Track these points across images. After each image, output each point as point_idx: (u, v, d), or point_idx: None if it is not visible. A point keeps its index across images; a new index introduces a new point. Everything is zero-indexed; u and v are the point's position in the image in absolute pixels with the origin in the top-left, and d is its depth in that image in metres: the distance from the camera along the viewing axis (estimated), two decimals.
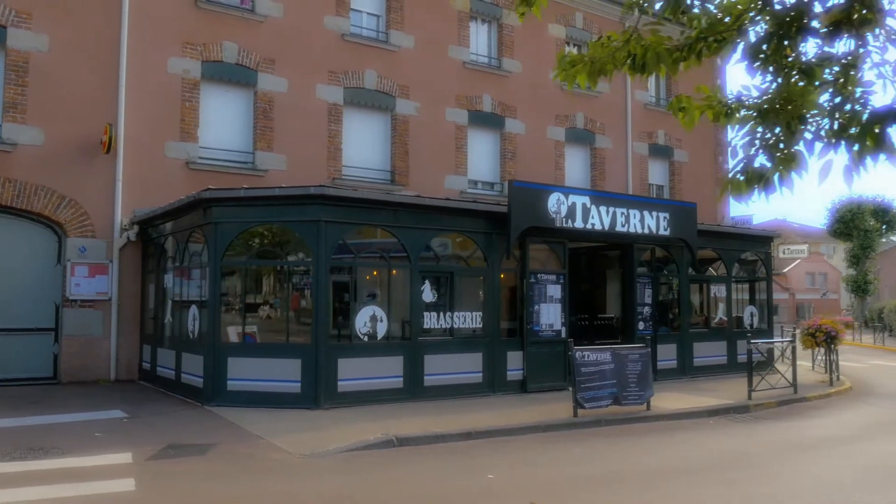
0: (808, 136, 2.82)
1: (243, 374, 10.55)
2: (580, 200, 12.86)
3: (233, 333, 11.14)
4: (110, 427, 9.29)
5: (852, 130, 2.49)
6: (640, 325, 14.30)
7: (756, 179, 2.92)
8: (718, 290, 16.38)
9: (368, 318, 10.98)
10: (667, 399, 11.92)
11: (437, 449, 8.56)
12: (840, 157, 2.63)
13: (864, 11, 2.57)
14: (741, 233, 17.46)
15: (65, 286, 13.06)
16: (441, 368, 11.53)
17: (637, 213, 13.63)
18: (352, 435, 8.77)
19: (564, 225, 12.60)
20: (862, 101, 2.66)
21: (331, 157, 16.03)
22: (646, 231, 13.81)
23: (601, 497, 6.65)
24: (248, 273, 11.74)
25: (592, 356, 10.53)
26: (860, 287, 45.07)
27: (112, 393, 12.06)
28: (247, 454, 8.02)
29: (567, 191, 13.10)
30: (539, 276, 12.78)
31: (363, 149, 16.67)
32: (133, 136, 13.68)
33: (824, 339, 14.92)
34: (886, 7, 2.69)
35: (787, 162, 2.89)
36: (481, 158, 18.54)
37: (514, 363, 12.40)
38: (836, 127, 2.67)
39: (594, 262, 17.17)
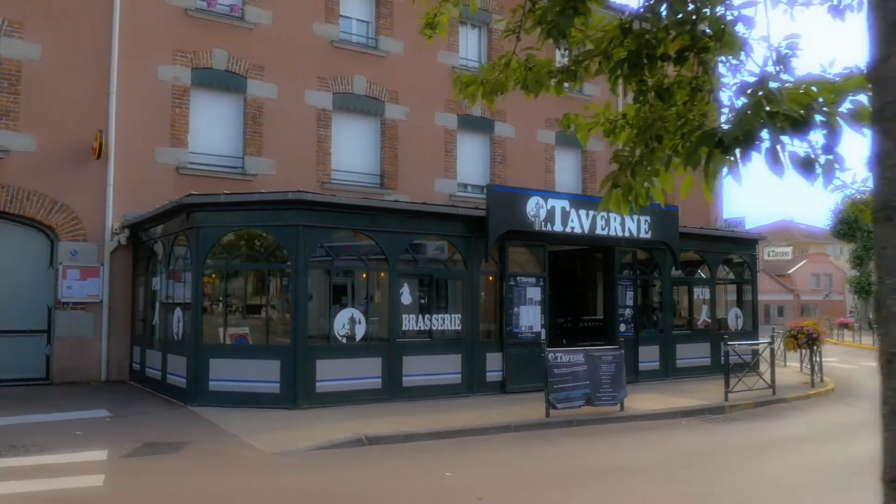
0: (667, 153, 3.06)
1: (224, 375, 10.83)
2: (559, 204, 13.08)
3: (219, 335, 11.43)
4: (93, 426, 9.58)
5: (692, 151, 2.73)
6: (622, 327, 14.49)
7: (627, 193, 3.16)
8: (702, 292, 16.54)
9: (347, 320, 11.24)
10: (643, 400, 12.12)
11: (406, 448, 8.80)
12: (698, 173, 2.85)
13: (707, 39, 2.80)
14: (725, 235, 17.62)
15: (57, 289, 13.39)
16: (420, 369, 11.77)
17: (617, 216, 13.82)
18: (324, 434, 9.03)
19: (543, 228, 12.83)
20: (700, 123, 2.89)
21: (320, 162, 16.32)
22: (626, 234, 14.02)
23: (548, 494, 6.87)
24: (230, 276, 12.03)
25: (565, 357, 10.74)
26: (863, 288, 45.02)
27: (101, 393, 12.38)
28: (219, 452, 8.30)
29: (546, 195, 13.32)
30: (518, 278, 13.00)
31: (352, 153, 16.95)
32: (124, 142, 14.01)
33: (806, 341, 15.06)
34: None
35: (650, 178, 3.13)
36: (471, 162, 18.78)
37: (494, 364, 12.63)
38: (687, 146, 2.89)
39: (585, 265, 17.39)
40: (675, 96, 3.07)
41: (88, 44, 13.80)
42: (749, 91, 2.35)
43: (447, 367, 12.12)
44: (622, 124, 3.40)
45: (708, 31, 2.86)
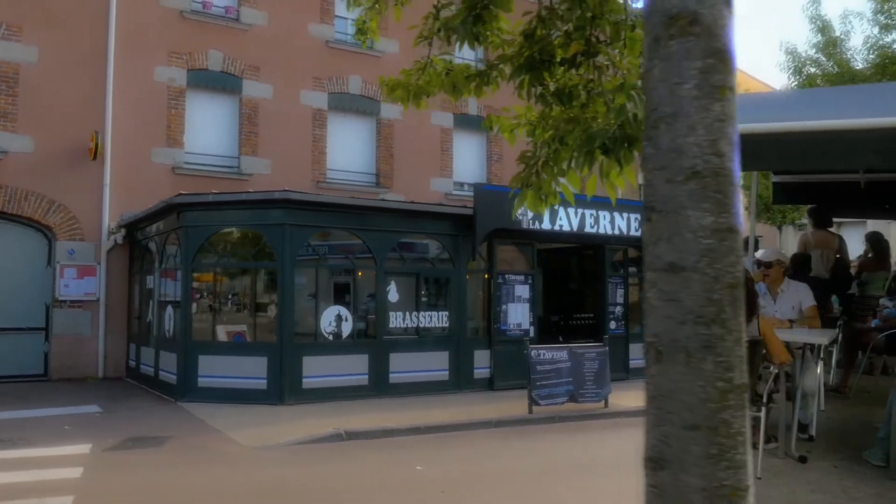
0: (572, 154, 3.17)
1: (213, 372, 11.03)
2: None
3: (209, 332, 11.63)
4: (81, 421, 9.80)
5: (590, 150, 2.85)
6: (612, 325, 14.55)
7: (537, 190, 3.28)
8: None
9: (334, 318, 11.41)
10: (629, 397, 12.15)
11: (384, 443, 8.94)
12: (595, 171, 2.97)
13: (600, 44, 2.91)
14: None
15: (55, 287, 13.65)
16: (407, 366, 11.91)
17: (607, 214, 13.90)
18: (306, 429, 9.19)
19: (531, 227, 12.92)
20: (588, 126, 3.00)
21: (315, 161, 16.50)
22: (616, 232, 14.09)
23: (518, 488, 6.98)
24: (219, 274, 12.23)
25: (548, 355, 10.84)
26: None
27: (96, 390, 12.61)
28: (200, 446, 8.48)
29: None
30: (507, 276, 13.11)
31: (348, 152, 17.12)
32: (120, 142, 14.24)
33: None
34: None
35: (556, 178, 3.25)
36: (467, 161, 18.89)
37: (482, 361, 12.74)
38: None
39: (579, 262, 17.42)
40: (575, 99, 3.19)
41: (85, 46, 14.04)
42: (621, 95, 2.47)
43: (435, 364, 12.25)
44: (542, 126, 3.52)
45: (601, 36, 2.98)
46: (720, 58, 1.75)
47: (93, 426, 9.49)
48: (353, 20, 18.53)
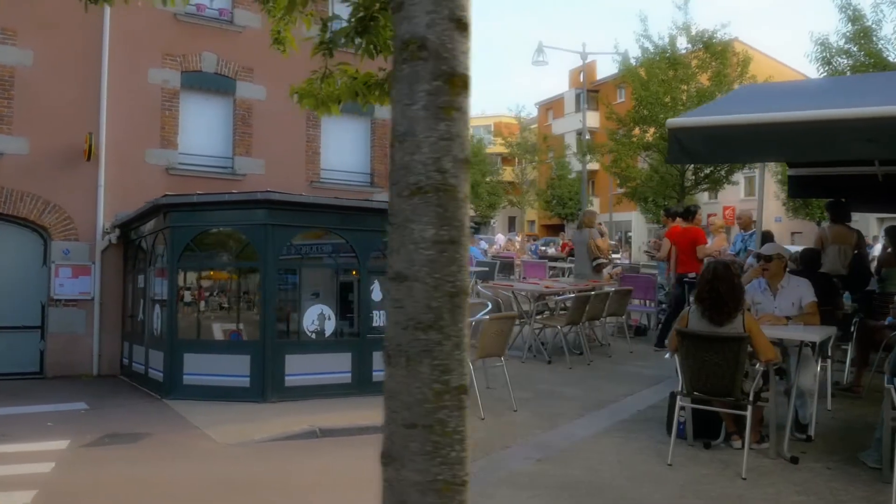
0: None
1: (198, 369, 11.18)
2: None
3: (195, 331, 11.80)
4: (65, 417, 10.00)
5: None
6: None
7: None
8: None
9: (317, 316, 11.53)
10: None
11: (357, 440, 8.99)
12: None
13: None
14: None
15: (50, 286, 13.88)
16: None
17: None
18: (282, 426, 9.31)
19: None
20: None
21: (309, 161, 16.64)
22: None
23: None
24: (205, 273, 12.38)
25: None
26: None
27: (88, 387, 12.82)
28: (176, 442, 8.63)
29: None
30: None
31: (343, 152, 17.25)
32: (114, 144, 14.45)
33: None
34: None
35: None
36: None
37: None
38: None
39: None
40: None
41: (80, 49, 14.26)
42: None
43: None
44: None
45: None
46: (447, 80, 1.87)
47: (75, 422, 9.68)
48: (347, 21, 18.56)
